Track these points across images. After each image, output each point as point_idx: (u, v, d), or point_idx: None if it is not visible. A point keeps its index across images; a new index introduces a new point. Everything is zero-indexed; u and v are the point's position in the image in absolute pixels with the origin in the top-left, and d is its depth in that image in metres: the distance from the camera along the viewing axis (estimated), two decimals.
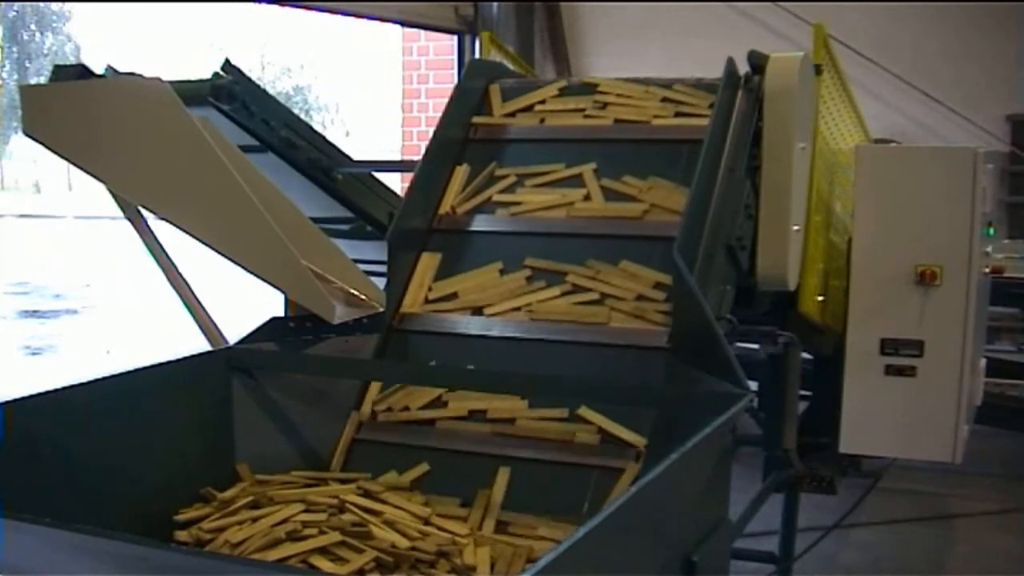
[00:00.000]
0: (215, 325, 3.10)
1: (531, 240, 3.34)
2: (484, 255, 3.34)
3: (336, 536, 2.37)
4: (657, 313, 3.05)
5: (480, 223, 3.43)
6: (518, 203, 3.44)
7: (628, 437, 2.83)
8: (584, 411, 2.90)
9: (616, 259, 3.21)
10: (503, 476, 2.83)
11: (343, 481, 2.79)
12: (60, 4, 37.86)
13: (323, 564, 2.32)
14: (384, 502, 2.64)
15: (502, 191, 3.48)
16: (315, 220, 3.32)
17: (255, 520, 2.45)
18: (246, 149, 3.64)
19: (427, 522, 2.58)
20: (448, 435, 2.99)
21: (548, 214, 3.39)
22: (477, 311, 3.23)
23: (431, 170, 3.49)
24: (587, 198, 3.38)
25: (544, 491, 2.79)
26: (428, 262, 3.37)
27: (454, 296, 3.28)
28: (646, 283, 3.14)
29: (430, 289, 3.31)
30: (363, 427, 3.08)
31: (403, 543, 2.40)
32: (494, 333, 3.17)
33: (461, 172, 3.55)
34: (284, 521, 2.43)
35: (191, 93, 3.27)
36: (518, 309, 3.20)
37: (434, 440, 2.99)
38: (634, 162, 3.43)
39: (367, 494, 2.67)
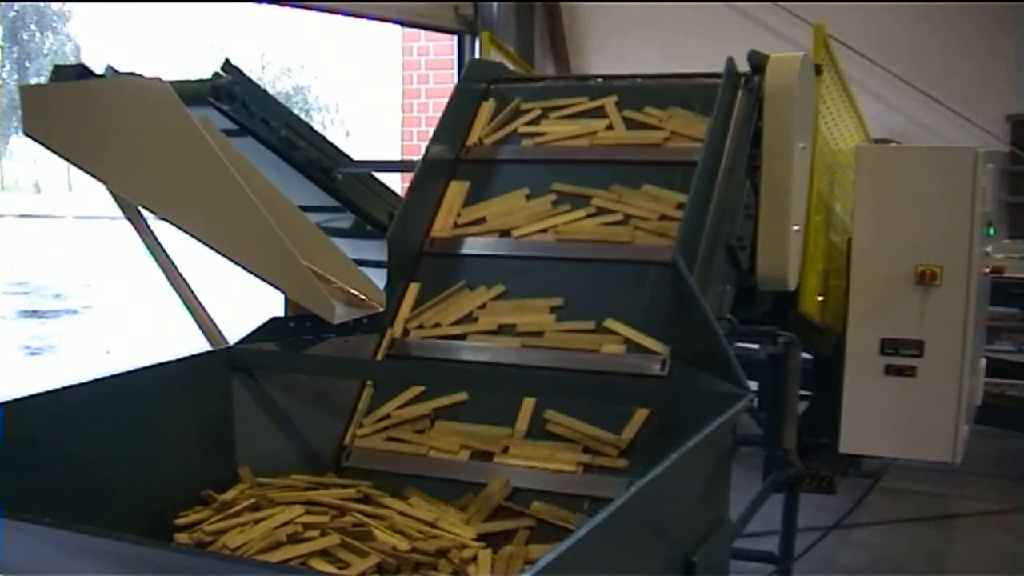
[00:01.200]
0: (215, 325, 3.10)
1: (556, 168, 3.46)
2: (511, 182, 3.47)
3: (336, 538, 2.37)
4: None
5: (506, 153, 3.57)
6: (542, 134, 3.57)
7: (652, 346, 2.94)
8: (610, 323, 3.03)
9: (639, 184, 3.31)
10: (529, 402, 2.96)
11: (344, 485, 2.79)
12: (60, 4, 37.87)
13: (325, 567, 2.31)
14: (386, 506, 2.64)
15: (527, 123, 3.63)
16: (306, 208, 3.35)
17: (256, 522, 2.45)
18: (230, 133, 3.64)
19: (432, 525, 2.57)
20: (480, 350, 3.10)
21: (572, 143, 3.52)
22: (505, 233, 3.34)
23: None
24: (609, 127, 3.53)
25: (575, 399, 2.91)
26: (457, 189, 3.49)
27: (482, 220, 3.40)
28: (669, 204, 3.24)
29: (459, 215, 3.43)
30: (396, 343, 3.19)
31: (403, 545, 2.40)
32: (522, 253, 3.29)
33: (487, 107, 3.70)
34: (285, 524, 2.43)
35: (191, 93, 3.27)
36: (545, 231, 3.31)
37: (467, 354, 3.10)
38: (654, 98, 3.58)
39: (368, 499, 2.67)
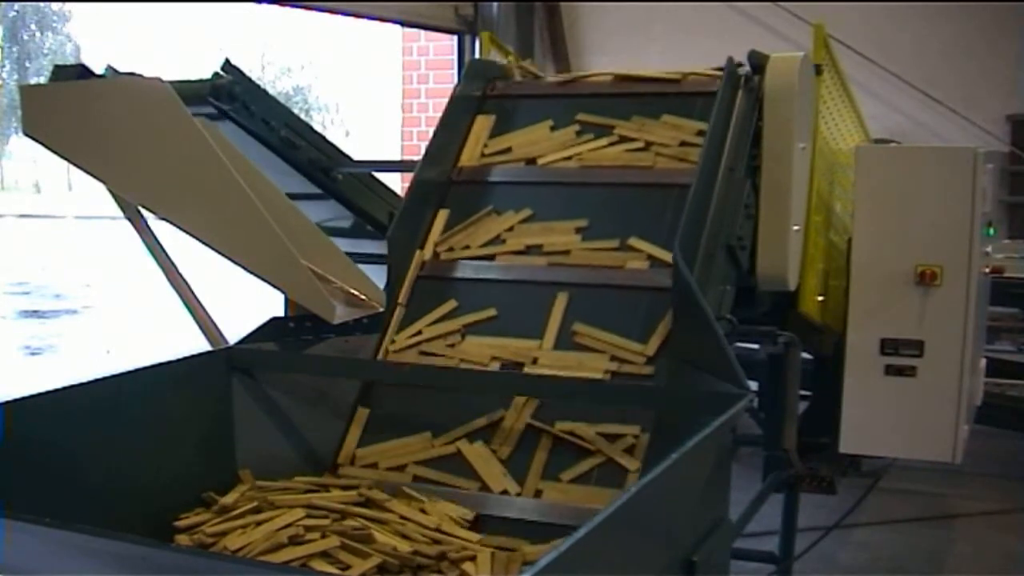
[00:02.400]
0: (215, 325, 3.10)
1: (579, 101, 3.60)
2: (535, 116, 3.60)
3: (336, 540, 2.37)
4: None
5: (530, 89, 3.77)
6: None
7: (668, 258, 3.01)
8: (634, 241, 3.17)
9: (659, 115, 3.45)
10: (561, 300, 3.09)
11: (344, 487, 2.79)
12: (60, 4, 37.87)
13: (326, 569, 2.31)
14: (389, 510, 2.63)
15: None
16: (300, 196, 3.38)
17: (258, 524, 2.45)
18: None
19: (437, 530, 2.57)
20: (508, 268, 3.24)
21: (594, 79, 3.71)
22: (531, 162, 3.48)
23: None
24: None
25: (600, 313, 3.03)
26: (483, 123, 3.64)
27: (508, 150, 3.53)
28: (689, 131, 3.37)
29: (485, 146, 3.57)
30: (426, 265, 3.32)
31: (404, 547, 2.39)
32: (547, 180, 3.42)
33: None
34: (286, 526, 2.43)
35: (191, 93, 3.27)
36: (569, 158, 3.44)
37: (495, 272, 3.24)
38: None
39: (369, 502, 2.67)
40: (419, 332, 3.17)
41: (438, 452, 2.92)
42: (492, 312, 3.15)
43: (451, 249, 3.34)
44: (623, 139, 3.42)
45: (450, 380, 3.02)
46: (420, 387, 3.05)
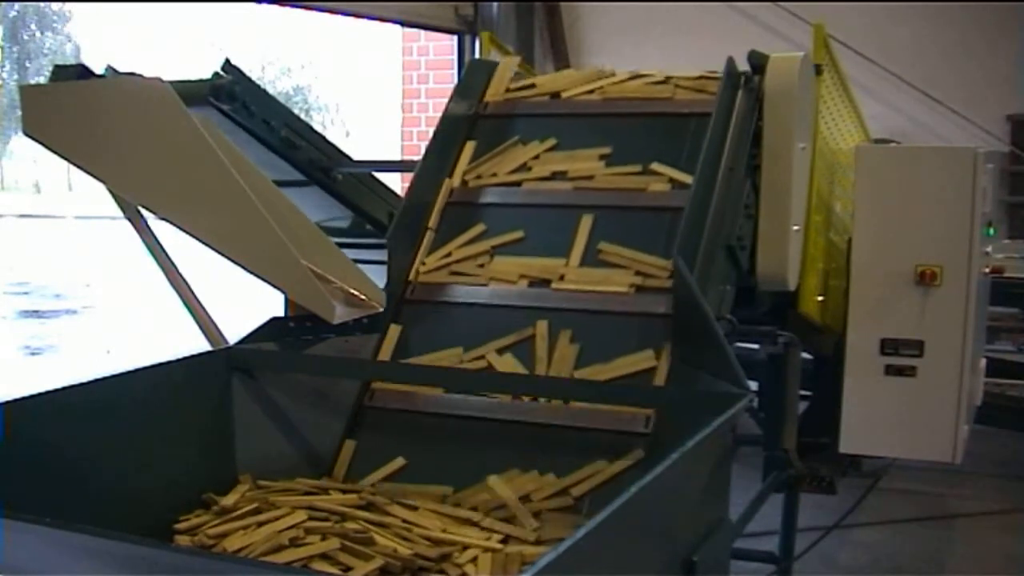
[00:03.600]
0: (215, 325, 3.10)
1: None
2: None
3: (336, 542, 2.36)
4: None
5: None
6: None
7: (689, 180, 3.16)
8: (656, 166, 3.32)
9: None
10: (586, 221, 3.23)
11: (346, 491, 2.78)
12: (60, 4, 37.84)
13: (328, 570, 2.31)
14: (390, 513, 2.63)
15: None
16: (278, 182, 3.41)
17: (259, 526, 2.45)
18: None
19: (443, 531, 2.56)
20: (535, 193, 3.39)
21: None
22: (554, 96, 3.66)
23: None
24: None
25: (624, 233, 3.17)
26: (508, 63, 3.85)
27: (532, 87, 3.72)
28: (705, 70, 3.55)
29: (510, 84, 3.74)
30: (455, 192, 3.46)
31: (405, 550, 2.39)
32: (571, 111, 3.60)
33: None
34: (287, 528, 2.42)
35: (191, 93, 3.26)
36: (591, 92, 3.62)
37: (522, 197, 3.38)
38: None
39: (370, 505, 2.66)
40: (449, 254, 3.32)
41: (468, 367, 3.05)
42: (519, 234, 3.29)
43: (479, 177, 3.49)
44: (643, 75, 3.64)
45: (451, 380, 3.03)
46: (450, 305, 3.20)
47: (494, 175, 3.47)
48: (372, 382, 3.10)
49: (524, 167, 3.46)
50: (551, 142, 3.49)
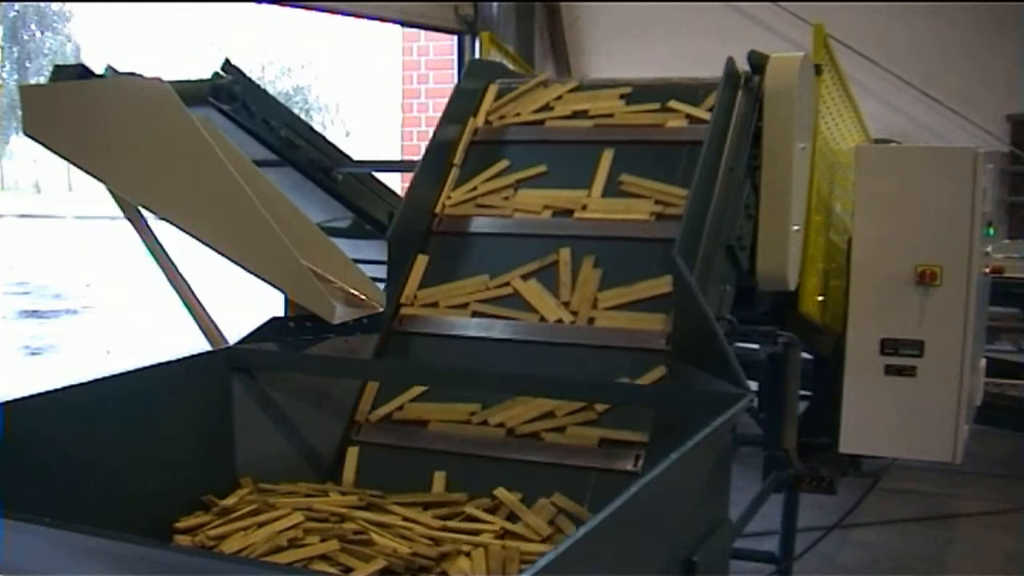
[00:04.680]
0: (215, 325, 3.10)
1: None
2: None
3: (336, 544, 2.36)
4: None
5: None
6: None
7: (707, 116, 3.31)
8: (673, 103, 3.46)
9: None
10: (607, 155, 3.36)
11: (346, 492, 2.78)
12: (60, 4, 37.85)
13: (330, 571, 2.31)
14: (389, 512, 2.63)
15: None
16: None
17: (259, 526, 2.44)
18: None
19: (444, 529, 2.56)
20: (557, 131, 3.54)
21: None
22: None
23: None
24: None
25: (644, 165, 3.29)
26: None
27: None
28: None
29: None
30: (479, 131, 3.59)
31: (404, 550, 2.39)
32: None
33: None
34: (287, 529, 2.42)
35: (191, 93, 3.27)
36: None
37: (545, 135, 3.53)
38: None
39: (370, 506, 2.66)
40: (474, 188, 3.44)
41: (494, 293, 3.16)
42: (543, 168, 3.41)
43: (502, 117, 3.62)
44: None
45: (452, 379, 3.03)
46: (475, 236, 3.33)
47: (517, 115, 3.61)
48: (401, 306, 3.22)
49: (546, 107, 3.60)
50: (573, 83, 3.70)
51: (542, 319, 3.08)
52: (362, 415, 3.05)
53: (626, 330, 2.99)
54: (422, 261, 3.30)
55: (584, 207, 3.27)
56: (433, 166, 3.46)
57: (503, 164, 3.48)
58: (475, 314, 3.14)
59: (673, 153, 3.34)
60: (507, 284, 3.17)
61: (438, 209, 3.41)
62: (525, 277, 3.17)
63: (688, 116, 3.43)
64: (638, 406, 2.84)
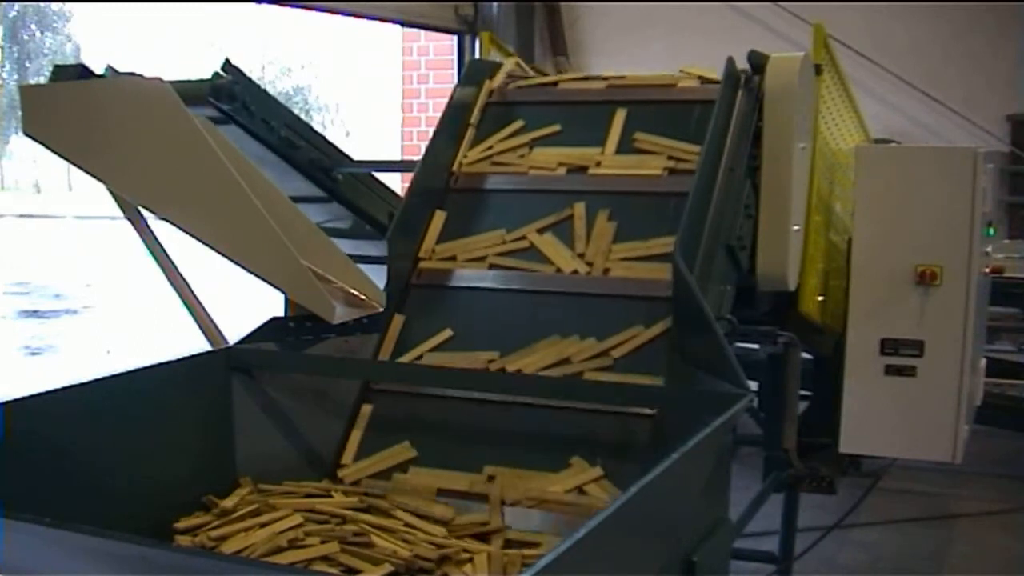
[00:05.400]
0: (215, 325, 3.10)
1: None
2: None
3: (336, 546, 2.36)
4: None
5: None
6: None
7: (718, 78, 3.34)
8: (684, 67, 3.57)
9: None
10: (620, 114, 3.46)
11: (346, 493, 2.78)
12: (60, 4, 37.83)
13: (332, 571, 2.31)
14: (391, 515, 2.62)
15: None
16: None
17: (261, 526, 2.44)
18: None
19: (448, 532, 2.56)
20: (570, 92, 3.67)
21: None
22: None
23: None
24: None
25: (657, 124, 3.39)
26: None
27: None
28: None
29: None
30: (494, 93, 3.69)
31: (405, 552, 2.39)
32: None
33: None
34: (287, 530, 2.42)
35: (191, 93, 3.26)
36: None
37: (559, 96, 3.66)
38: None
39: (371, 508, 2.66)
40: (490, 147, 3.52)
41: (511, 246, 3.25)
42: (556, 127, 3.50)
43: (515, 79, 3.75)
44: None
45: (452, 380, 3.02)
46: (492, 192, 3.42)
47: (531, 77, 3.78)
48: (420, 261, 3.31)
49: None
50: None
51: (558, 270, 3.17)
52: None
53: (640, 280, 3.07)
54: (440, 217, 3.39)
55: (598, 164, 3.37)
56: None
57: (518, 124, 3.57)
58: (492, 267, 3.24)
59: (685, 111, 3.43)
60: (523, 238, 3.27)
61: (455, 168, 3.50)
62: (541, 231, 3.26)
63: (700, 77, 3.56)
64: (653, 351, 2.92)
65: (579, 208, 3.25)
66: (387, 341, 3.17)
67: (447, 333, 3.13)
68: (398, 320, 3.21)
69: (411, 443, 2.94)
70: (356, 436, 3.02)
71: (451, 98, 3.58)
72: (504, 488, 2.75)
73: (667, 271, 2.94)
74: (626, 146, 3.39)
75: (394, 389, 3.08)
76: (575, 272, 3.14)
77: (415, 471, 2.89)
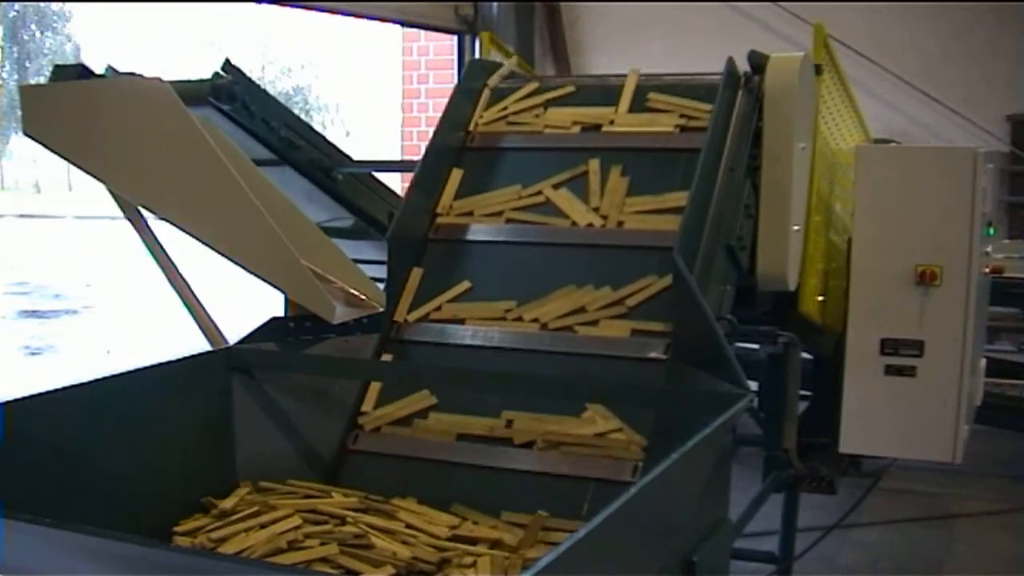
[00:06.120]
0: (215, 325, 3.10)
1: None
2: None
3: (335, 547, 2.36)
4: None
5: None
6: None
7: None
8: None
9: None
10: (633, 75, 3.56)
11: (346, 494, 2.78)
12: (60, 4, 37.83)
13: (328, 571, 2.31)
14: (391, 516, 2.62)
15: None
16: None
17: (261, 527, 2.44)
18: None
19: (454, 536, 2.55)
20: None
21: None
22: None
23: None
24: None
25: (670, 87, 3.47)
26: None
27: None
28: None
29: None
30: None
31: (404, 553, 2.39)
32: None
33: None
34: (286, 531, 2.42)
35: (191, 93, 3.26)
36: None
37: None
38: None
39: (370, 509, 2.66)
40: (505, 108, 3.63)
41: (526, 201, 3.34)
42: (571, 88, 3.62)
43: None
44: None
45: (452, 379, 3.02)
46: (508, 150, 3.51)
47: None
48: (439, 212, 3.39)
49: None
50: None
51: (573, 224, 3.24)
52: (400, 315, 3.21)
53: (654, 231, 3.14)
54: (457, 174, 3.47)
55: (611, 122, 3.46)
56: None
57: (533, 86, 3.68)
58: (509, 221, 3.32)
59: (695, 79, 3.57)
60: (539, 193, 3.34)
61: (471, 127, 3.59)
62: (556, 186, 3.34)
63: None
64: (668, 300, 2.97)
65: (593, 164, 3.34)
66: (406, 294, 3.25)
67: (465, 285, 3.22)
68: (416, 273, 3.29)
69: (430, 392, 3.02)
70: (376, 385, 3.09)
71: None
72: (523, 431, 2.85)
73: (679, 224, 3.01)
74: (639, 105, 3.48)
75: (413, 339, 3.16)
76: (590, 225, 3.22)
77: (435, 417, 2.98)
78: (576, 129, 3.49)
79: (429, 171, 3.42)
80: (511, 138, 3.54)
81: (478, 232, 3.34)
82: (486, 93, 3.69)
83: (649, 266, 3.07)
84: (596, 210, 3.24)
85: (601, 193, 3.27)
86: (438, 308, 3.19)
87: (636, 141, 3.39)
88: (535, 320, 3.05)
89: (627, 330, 2.98)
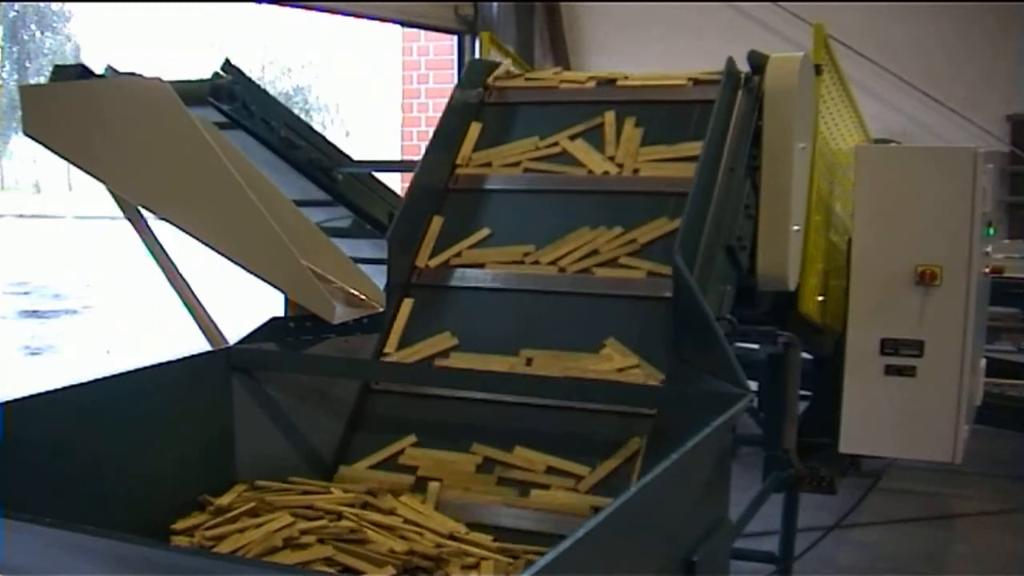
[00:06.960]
0: (215, 325, 3.10)
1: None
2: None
3: (330, 549, 2.35)
4: None
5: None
6: None
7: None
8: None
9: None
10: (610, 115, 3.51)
11: (344, 491, 2.77)
12: (60, 4, 37.83)
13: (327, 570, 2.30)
14: (389, 512, 2.62)
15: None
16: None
17: (258, 527, 2.44)
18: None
19: (453, 536, 2.55)
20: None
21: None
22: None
23: None
24: None
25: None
26: None
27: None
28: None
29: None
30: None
31: (401, 548, 2.38)
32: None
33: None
34: (282, 528, 2.41)
35: (191, 93, 3.26)
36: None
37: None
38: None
39: (368, 505, 2.65)
40: (521, 75, 3.78)
41: (544, 152, 3.43)
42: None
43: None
44: None
45: (452, 379, 3.02)
46: (525, 105, 3.62)
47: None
48: (458, 163, 3.47)
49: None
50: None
51: (589, 172, 3.34)
52: (422, 260, 3.29)
53: (668, 178, 3.24)
54: (476, 127, 3.56)
55: (626, 77, 3.59)
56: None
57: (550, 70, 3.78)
58: (527, 171, 3.41)
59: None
60: (556, 144, 3.43)
61: (490, 81, 3.68)
62: (572, 137, 3.43)
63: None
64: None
65: (609, 116, 3.43)
66: (427, 240, 3.32)
67: (485, 232, 3.30)
68: (437, 221, 3.36)
69: (451, 333, 3.10)
70: (399, 327, 3.17)
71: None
72: (543, 368, 2.93)
73: (693, 171, 3.09)
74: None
75: (433, 284, 3.25)
76: (606, 173, 3.32)
77: (456, 356, 3.06)
78: (591, 84, 3.61)
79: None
80: (528, 93, 3.66)
81: (496, 181, 3.43)
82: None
83: (664, 210, 3.17)
84: (612, 159, 3.34)
85: (616, 143, 3.37)
86: (458, 254, 3.28)
87: (650, 94, 3.52)
88: (552, 263, 3.16)
89: (644, 272, 3.09)
